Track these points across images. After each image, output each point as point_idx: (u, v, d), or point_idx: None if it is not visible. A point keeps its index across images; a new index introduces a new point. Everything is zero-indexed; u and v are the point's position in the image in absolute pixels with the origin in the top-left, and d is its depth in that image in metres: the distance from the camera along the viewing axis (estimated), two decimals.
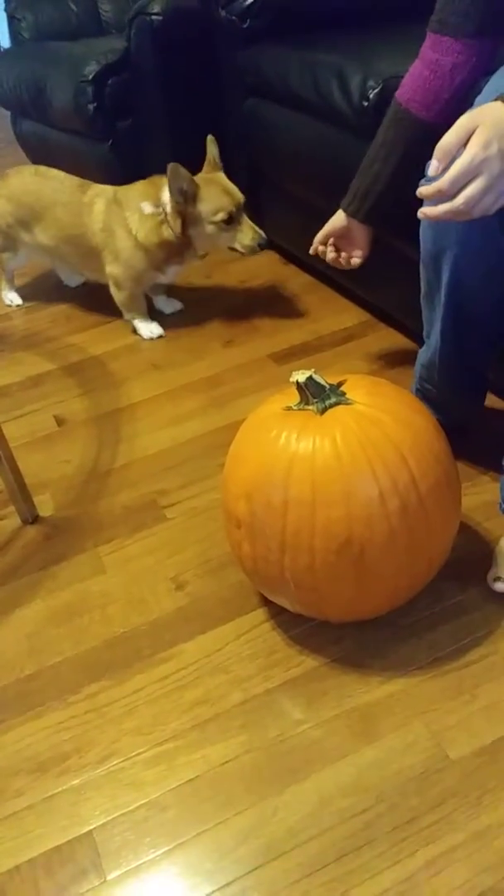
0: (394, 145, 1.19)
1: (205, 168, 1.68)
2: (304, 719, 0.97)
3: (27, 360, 1.84)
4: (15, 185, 1.87)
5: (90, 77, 2.01)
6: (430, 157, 0.85)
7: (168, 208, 1.65)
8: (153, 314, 1.89)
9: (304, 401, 0.97)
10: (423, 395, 1.29)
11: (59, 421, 1.61)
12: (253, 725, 0.98)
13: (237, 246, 1.66)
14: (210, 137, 1.66)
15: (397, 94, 1.16)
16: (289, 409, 0.98)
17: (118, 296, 1.83)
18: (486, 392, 1.33)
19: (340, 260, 1.39)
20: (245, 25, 1.78)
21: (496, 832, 0.84)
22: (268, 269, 2.06)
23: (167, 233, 1.67)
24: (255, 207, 1.98)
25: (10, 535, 1.33)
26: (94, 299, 2.00)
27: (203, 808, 0.90)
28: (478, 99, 0.95)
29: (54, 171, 1.86)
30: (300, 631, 1.08)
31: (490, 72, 1.00)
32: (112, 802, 0.92)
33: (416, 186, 0.88)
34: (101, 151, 2.15)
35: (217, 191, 1.62)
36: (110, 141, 2.11)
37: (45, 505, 1.38)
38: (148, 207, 1.68)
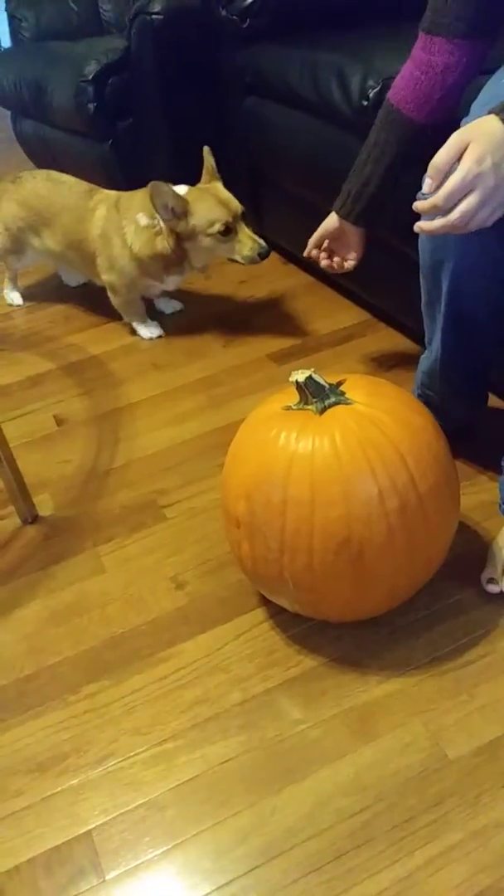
0: (386, 146, 1.19)
1: (203, 178, 1.65)
2: (302, 719, 0.98)
3: (27, 359, 1.84)
4: (28, 190, 1.86)
5: (90, 76, 2.01)
6: (422, 158, 0.85)
7: (162, 223, 1.62)
8: (153, 314, 1.89)
9: (304, 400, 0.97)
10: (424, 400, 1.29)
11: (59, 421, 1.61)
12: (252, 725, 0.98)
13: (236, 257, 1.63)
14: (206, 148, 1.63)
15: (389, 94, 1.16)
16: (288, 408, 0.98)
17: (115, 300, 1.83)
18: (487, 398, 1.33)
19: (334, 264, 1.39)
20: (245, 25, 1.77)
21: (494, 831, 0.84)
22: (267, 269, 2.06)
23: (161, 245, 1.64)
24: (254, 207, 1.98)
25: (9, 534, 1.33)
26: (94, 299, 2.00)
27: (202, 808, 0.90)
28: (464, 120, 0.95)
29: (66, 177, 1.85)
30: (299, 630, 1.08)
31: (484, 72, 1.00)
32: (111, 802, 0.92)
33: (409, 187, 0.88)
34: (102, 151, 2.14)
35: (211, 203, 1.58)
36: (110, 140, 2.11)
37: (44, 505, 1.38)
38: (144, 219, 1.65)
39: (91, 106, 2.04)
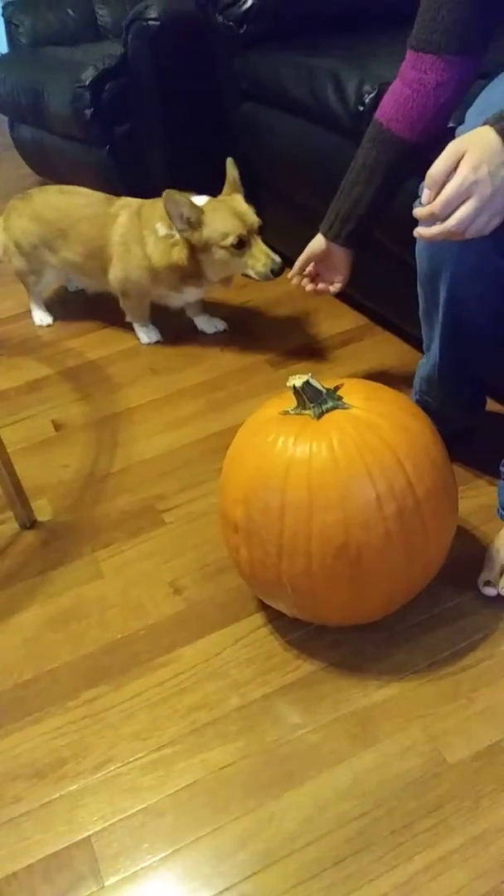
0: (376, 167, 1.17)
1: (224, 190, 1.61)
2: (301, 724, 0.97)
3: (25, 364, 1.84)
4: (39, 204, 1.82)
5: (87, 82, 2.02)
6: (414, 177, 0.85)
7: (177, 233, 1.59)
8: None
9: (301, 405, 0.97)
10: (423, 406, 1.28)
11: (57, 426, 1.61)
12: (251, 730, 0.98)
13: (249, 272, 1.58)
14: (230, 160, 1.60)
15: (377, 114, 1.14)
16: (286, 413, 0.98)
17: (124, 302, 1.81)
18: (485, 403, 1.33)
19: (319, 288, 1.37)
20: (242, 30, 1.78)
21: (493, 836, 0.84)
22: None
23: (178, 256, 1.61)
24: None
25: (7, 540, 1.33)
26: (92, 304, 2.01)
27: (201, 814, 0.90)
28: (460, 128, 0.95)
29: (80, 189, 1.81)
30: (297, 635, 1.08)
31: (479, 76, 1.00)
32: (110, 808, 0.92)
33: (407, 194, 0.88)
34: (99, 157, 2.15)
35: (225, 215, 1.54)
36: (107, 146, 2.12)
37: (42, 510, 1.38)
38: (162, 229, 1.61)
39: (88, 111, 2.05)
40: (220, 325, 1.87)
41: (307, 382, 0.95)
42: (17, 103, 2.48)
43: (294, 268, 1.37)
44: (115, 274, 1.75)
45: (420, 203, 0.87)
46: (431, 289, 1.09)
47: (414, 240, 1.09)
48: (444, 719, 0.95)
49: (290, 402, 0.99)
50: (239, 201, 1.58)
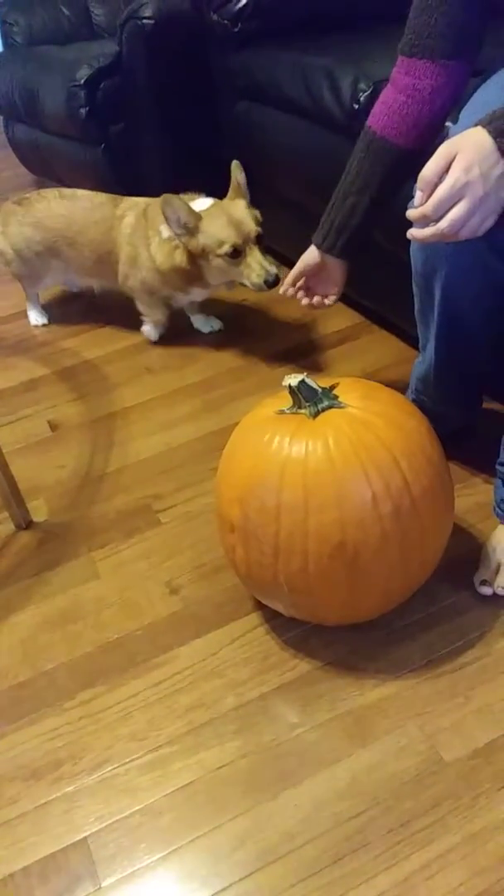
0: (370, 176, 1.15)
1: (228, 194, 1.58)
2: (298, 723, 0.97)
3: (20, 364, 1.84)
4: (41, 211, 1.78)
5: (82, 81, 2.01)
6: (409, 184, 0.85)
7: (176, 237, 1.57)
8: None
9: (297, 404, 0.97)
10: (419, 405, 1.28)
11: (53, 426, 1.61)
12: (248, 730, 0.98)
13: (245, 281, 1.55)
14: (235, 163, 1.57)
15: (370, 122, 1.12)
16: (281, 412, 0.98)
17: (137, 302, 1.79)
18: (481, 403, 1.34)
19: (314, 302, 1.33)
20: (236, 29, 1.78)
21: (491, 834, 0.84)
22: None
23: (179, 259, 1.59)
24: None
25: (3, 540, 1.33)
26: (88, 304, 2.00)
27: (198, 814, 0.90)
28: (454, 127, 0.94)
29: (80, 191, 1.78)
30: (294, 635, 1.08)
31: (473, 74, 1.00)
32: (106, 809, 0.92)
33: (402, 195, 0.88)
34: (94, 156, 2.15)
35: (222, 222, 1.50)
36: (102, 145, 2.11)
37: (38, 510, 1.38)
38: (166, 231, 1.58)
39: (83, 110, 2.05)
40: (215, 324, 1.86)
41: (303, 381, 0.95)
42: (11, 102, 2.48)
43: (286, 280, 1.34)
44: (125, 275, 1.74)
45: (413, 204, 0.87)
46: (426, 289, 1.09)
47: (409, 239, 1.09)
48: (442, 717, 0.95)
49: (286, 401, 0.98)
50: (239, 207, 1.54)
